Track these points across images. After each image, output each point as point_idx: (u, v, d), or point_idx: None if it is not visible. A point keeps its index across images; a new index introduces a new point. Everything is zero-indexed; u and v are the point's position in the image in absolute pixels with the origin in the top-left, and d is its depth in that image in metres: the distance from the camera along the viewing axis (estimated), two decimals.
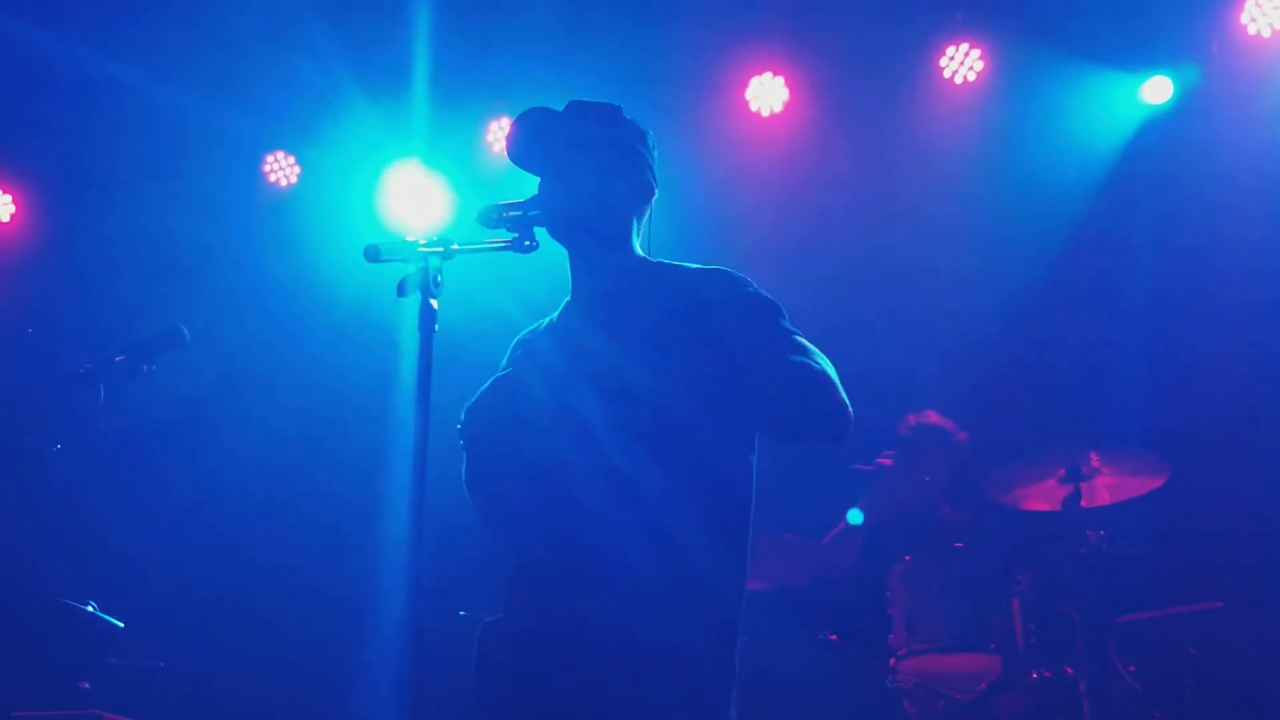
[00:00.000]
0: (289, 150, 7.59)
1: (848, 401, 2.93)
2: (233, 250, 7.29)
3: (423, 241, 2.91)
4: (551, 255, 3.21)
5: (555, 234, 3.12)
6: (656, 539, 2.87)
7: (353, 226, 7.13)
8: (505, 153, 3.25)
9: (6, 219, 7.61)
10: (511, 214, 3.06)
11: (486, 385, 3.19)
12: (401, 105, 6.98)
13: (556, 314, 3.27)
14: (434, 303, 2.89)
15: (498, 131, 7.29)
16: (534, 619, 2.94)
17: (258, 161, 7.57)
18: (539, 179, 3.16)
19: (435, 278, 2.90)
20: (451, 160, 7.21)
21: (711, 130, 7.22)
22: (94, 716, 4.41)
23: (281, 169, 7.59)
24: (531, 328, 3.30)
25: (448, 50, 6.71)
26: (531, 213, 3.07)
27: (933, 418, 6.17)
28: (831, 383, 2.91)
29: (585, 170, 3.11)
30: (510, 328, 3.44)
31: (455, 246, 2.95)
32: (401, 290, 2.91)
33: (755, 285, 3.07)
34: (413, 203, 7.09)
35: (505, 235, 3.06)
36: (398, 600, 2.74)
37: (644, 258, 3.20)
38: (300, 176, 7.59)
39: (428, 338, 2.87)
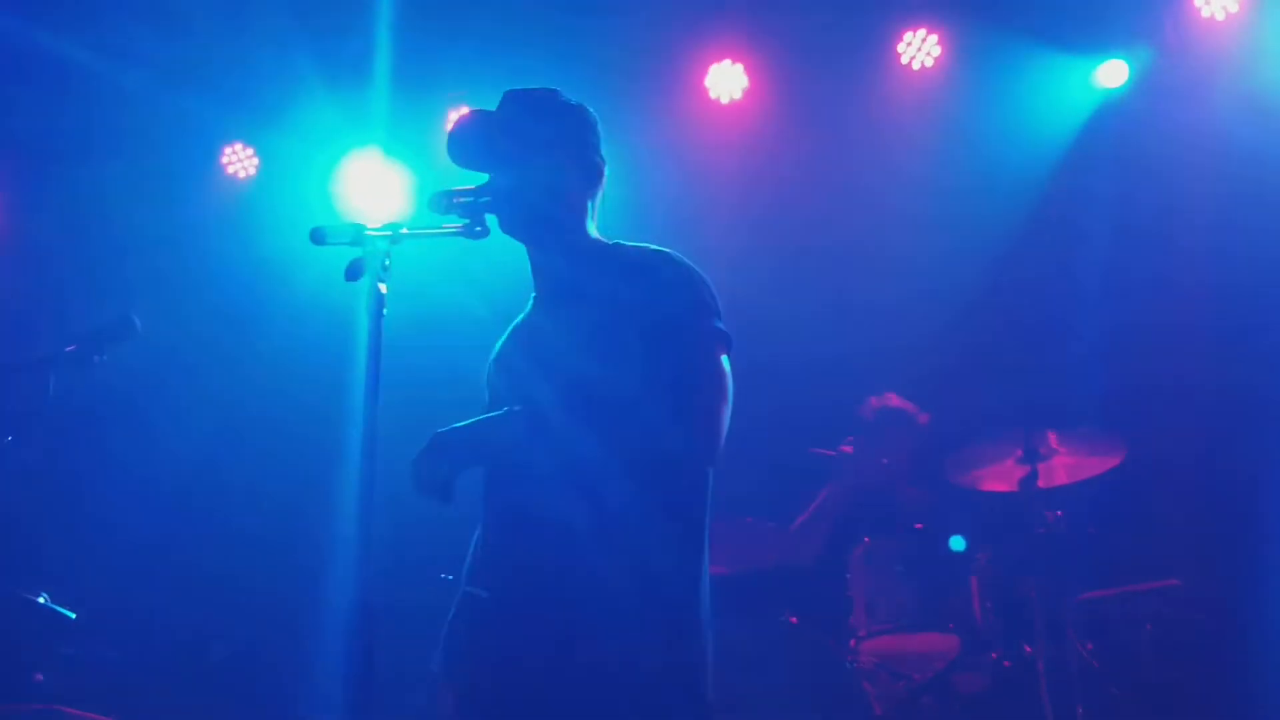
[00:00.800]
0: (248, 141, 7.53)
1: (719, 442, 2.90)
2: (190, 240, 7.23)
3: (370, 225, 2.91)
4: (509, 247, 3.22)
5: (509, 229, 3.11)
6: (601, 523, 2.87)
7: (311, 217, 7.08)
8: (449, 157, 3.21)
9: None
10: (462, 199, 3.06)
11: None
12: (362, 95, 6.95)
13: (527, 308, 3.26)
14: (383, 287, 2.88)
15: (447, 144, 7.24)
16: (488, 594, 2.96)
17: (216, 153, 7.51)
18: (468, 173, 3.16)
19: (384, 262, 2.89)
20: (411, 150, 7.19)
21: (672, 118, 7.24)
22: (54, 712, 4.39)
23: (240, 160, 7.54)
24: (506, 329, 3.29)
25: (408, 39, 6.68)
26: (482, 198, 3.06)
27: (894, 400, 6.21)
28: (712, 428, 2.88)
29: (530, 162, 3.10)
30: (469, 320, 3.44)
31: (404, 230, 2.95)
32: (350, 274, 2.90)
33: (694, 275, 3.04)
34: (372, 193, 7.06)
35: (457, 221, 3.05)
36: (351, 586, 2.71)
37: (597, 240, 3.19)
38: (259, 168, 7.54)
39: (376, 322, 2.87)
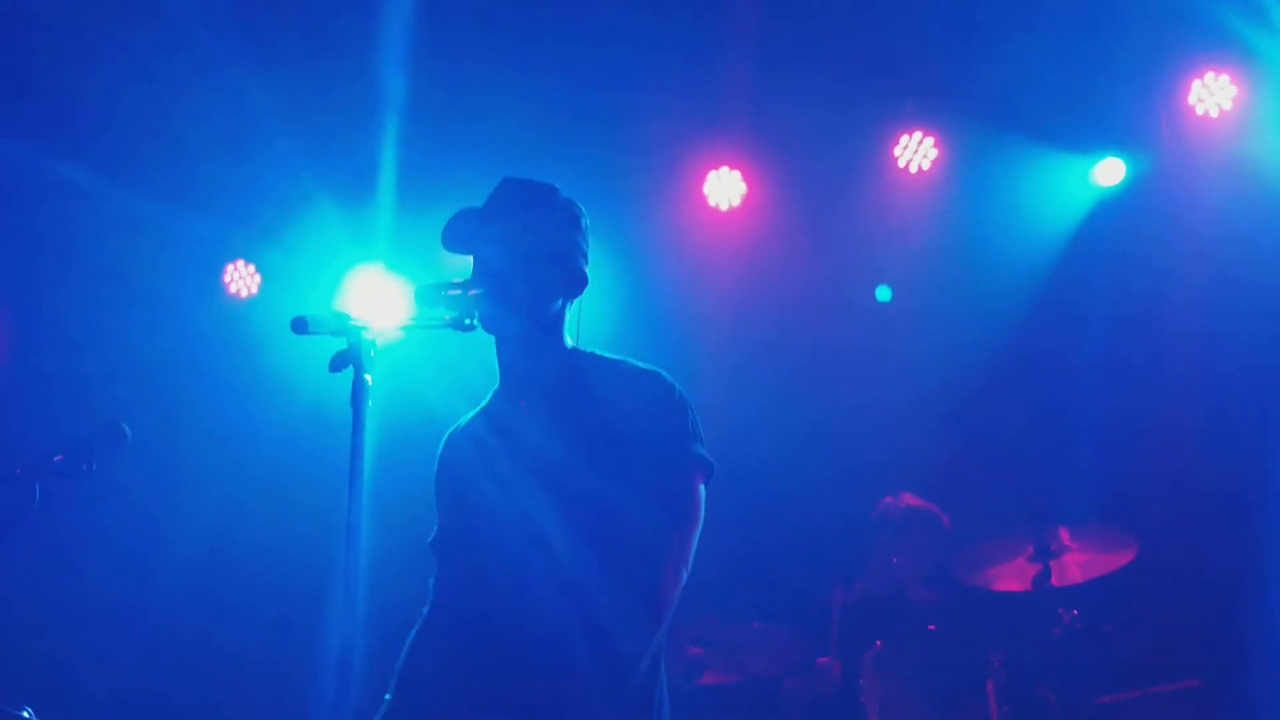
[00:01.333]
0: (249, 259, 7.55)
1: (678, 586, 2.93)
2: (190, 358, 7.21)
3: (354, 316, 2.89)
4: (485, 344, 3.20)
5: (487, 317, 3.09)
6: (568, 595, 2.89)
7: (314, 336, 7.06)
8: (444, 244, 3.23)
9: None
10: (451, 293, 3.04)
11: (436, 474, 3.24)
12: (364, 209, 6.99)
13: (485, 402, 3.27)
14: (368, 378, 2.85)
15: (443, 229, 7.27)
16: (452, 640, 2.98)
17: (218, 270, 7.52)
18: (464, 258, 3.19)
19: (369, 352, 2.86)
20: (414, 264, 7.19)
21: (671, 225, 7.25)
22: None
23: (242, 278, 7.54)
24: (462, 420, 3.30)
25: (410, 153, 6.74)
26: (471, 291, 3.04)
27: (914, 500, 6.10)
28: (676, 571, 2.91)
29: (511, 254, 3.12)
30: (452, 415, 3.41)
31: (392, 323, 2.93)
32: (334, 365, 2.88)
33: (680, 398, 3.09)
34: (375, 308, 7.05)
35: (445, 313, 3.03)
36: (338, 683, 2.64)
37: (576, 348, 3.20)
38: (260, 285, 7.54)
39: (359, 411, 2.84)
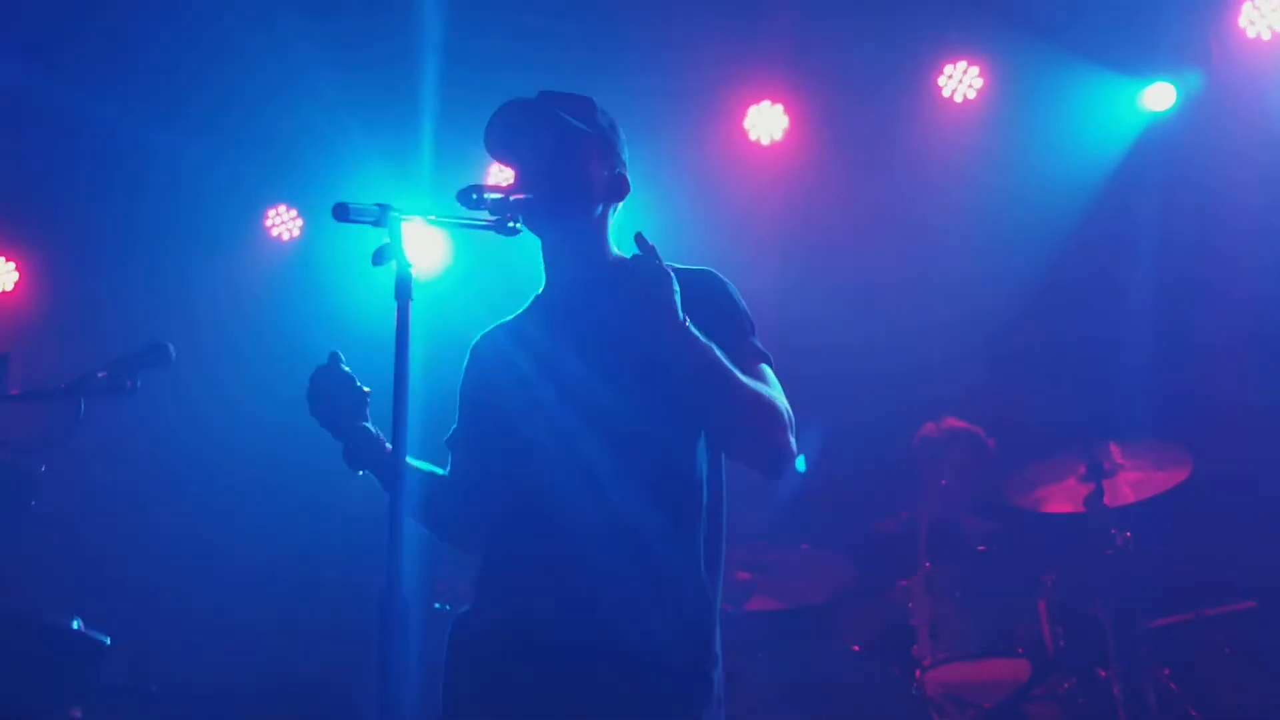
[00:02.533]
0: (291, 203, 7.56)
1: (793, 444, 2.88)
2: (236, 304, 7.26)
3: (396, 208, 2.85)
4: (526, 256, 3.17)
5: (531, 221, 3.04)
6: (621, 536, 2.81)
7: (355, 278, 7.10)
8: (486, 145, 3.19)
9: (10, 287, 7.58)
10: (491, 196, 3.00)
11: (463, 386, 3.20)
12: (405, 158, 6.98)
13: (525, 307, 3.23)
14: (411, 270, 2.81)
15: (498, 175, 7.26)
16: (504, 612, 2.86)
17: (259, 214, 7.54)
18: (505, 161, 3.16)
19: (411, 244, 2.83)
20: (456, 209, 7.16)
21: (710, 161, 7.18)
22: None
23: (284, 222, 7.56)
24: (496, 324, 3.26)
25: (451, 97, 6.71)
26: (513, 195, 3.00)
27: (955, 423, 6.05)
28: (782, 424, 2.85)
29: (563, 160, 3.07)
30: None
31: (433, 217, 2.89)
32: (376, 258, 2.84)
33: (735, 292, 3.06)
34: (415, 253, 7.02)
35: (486, 215, 2.99)
36: (381, 596, 2.61)
37: (619, 255, 3.16)
38: (302, 229, 7.56)
39: (404, 307, 2.80)
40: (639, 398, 2.88)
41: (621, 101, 6.39)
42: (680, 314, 2.76)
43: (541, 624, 2.79)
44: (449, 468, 3.17)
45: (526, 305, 3.23)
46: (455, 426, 3.20)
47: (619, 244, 3.20)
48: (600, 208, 3.14)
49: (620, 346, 2.93)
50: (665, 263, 3.02)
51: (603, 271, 3.09)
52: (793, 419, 2.89)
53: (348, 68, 6.71)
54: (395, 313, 2.81)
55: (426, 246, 6.95)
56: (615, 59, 6.71)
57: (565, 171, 3.07)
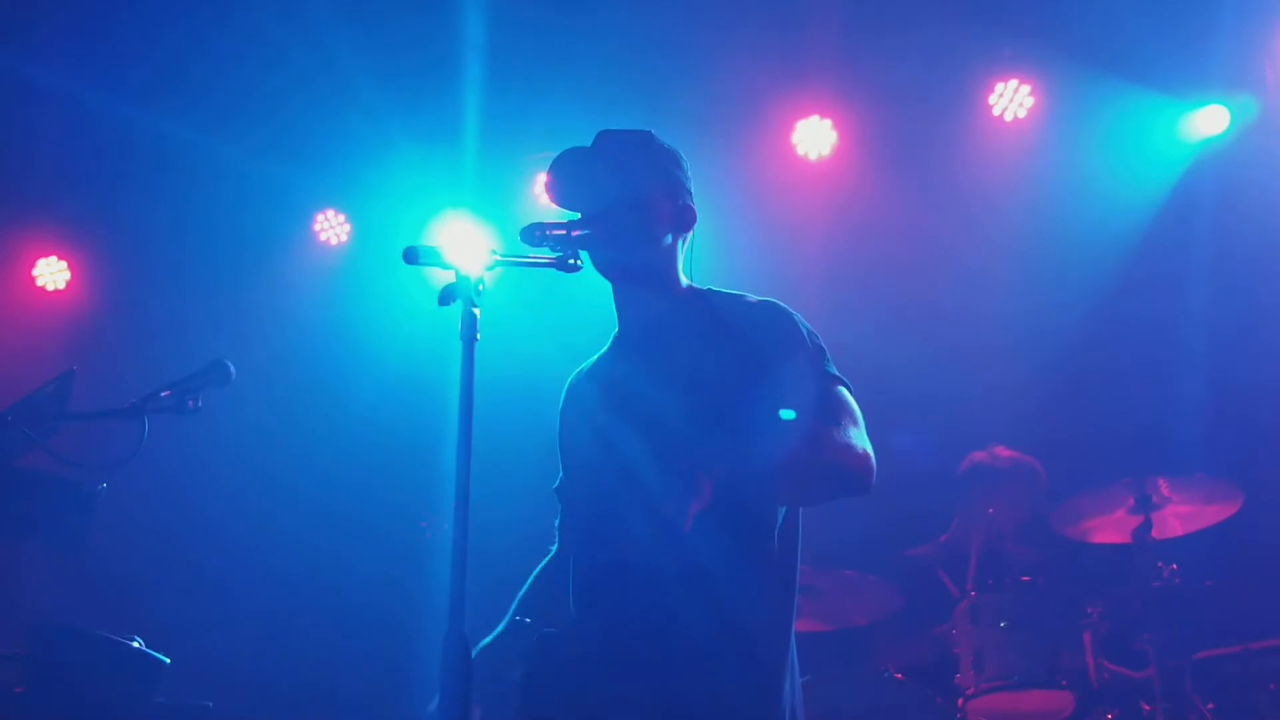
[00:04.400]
0: (339, 208, 7.61)
1: (869, 453, 2.89)
2: (285, 309, 7.32)
3: (465, 250, 2.87)
4: (591, 287, 3.18)
5: (601, 264, 3.07)
6: (695, 579, 2.82)
7: (403, 281, 7.16)
8: (548, 197, 3.21)
9: (62, 285, 7.68)
10: (555, 233, 3.00)
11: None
12: (450, 156, 7.02)
13: (606, 348, 3.24)
14: (476, 311, 2.83)
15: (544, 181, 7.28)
16: (583, 660, 2.89)
17: (308, 220, 7.59)
18: (566, 199, 3.14)
19: (477, 286, 2.84)
20: (500, 211, 7.21)
21: (757, 176, 7.16)
22: None
23: (332, 227, 7.62)
24: (584, 365, 3.27)
25: (495, 101, 6.73)
26: (575, 232, 3.01)
27: (1007, 452, 6.03)
28: (856, 454, 2.86)
29: (626, 200, 3.07)
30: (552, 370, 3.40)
31: (499, 256, 2.90)
32: (444, 299, 2.85)
33: (801, 321, 3.05)
34: (454, 244, 7.06)
35: (549, 253, 3.00)
36: (443, 624, 2.65)
37: (691, 286, 3.17)
38: (351, 234, 7.61)
39: (469, 346, 2.81)
40: (714, 437, 2.87)
41: (664, 109, 6.49)
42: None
43: (616, 677, 2.84)
44: (559, 518, 3.24)
45: (608, 345, 3.24)
46: (562, 476, 3.24)
47: (691, 272, 3.21)
48: (669, 239, 3.14)
49: (694, 383, 2.95)
50: (731, 290, 3.06)
51: (674, 303, 3.11)
52: (865, 437, 2.91)
53: (392, 73, 6.75)
54: (461, 352, 2.84)
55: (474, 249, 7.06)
56: (660, 64, 6.71)
57: (628, 214, 3.07)
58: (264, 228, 7.43)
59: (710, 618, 2.79)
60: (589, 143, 3.19)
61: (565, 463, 3.22)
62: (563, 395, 3.26)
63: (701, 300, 3.12)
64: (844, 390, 2.97)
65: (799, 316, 3.07)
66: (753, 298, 3.11)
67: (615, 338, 3.21)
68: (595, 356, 3.25)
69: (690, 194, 3.19)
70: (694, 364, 2.98)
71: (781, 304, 3.09)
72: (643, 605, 2.84)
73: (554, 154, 3.18)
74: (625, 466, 2.92)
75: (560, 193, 3.14)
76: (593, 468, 3.04)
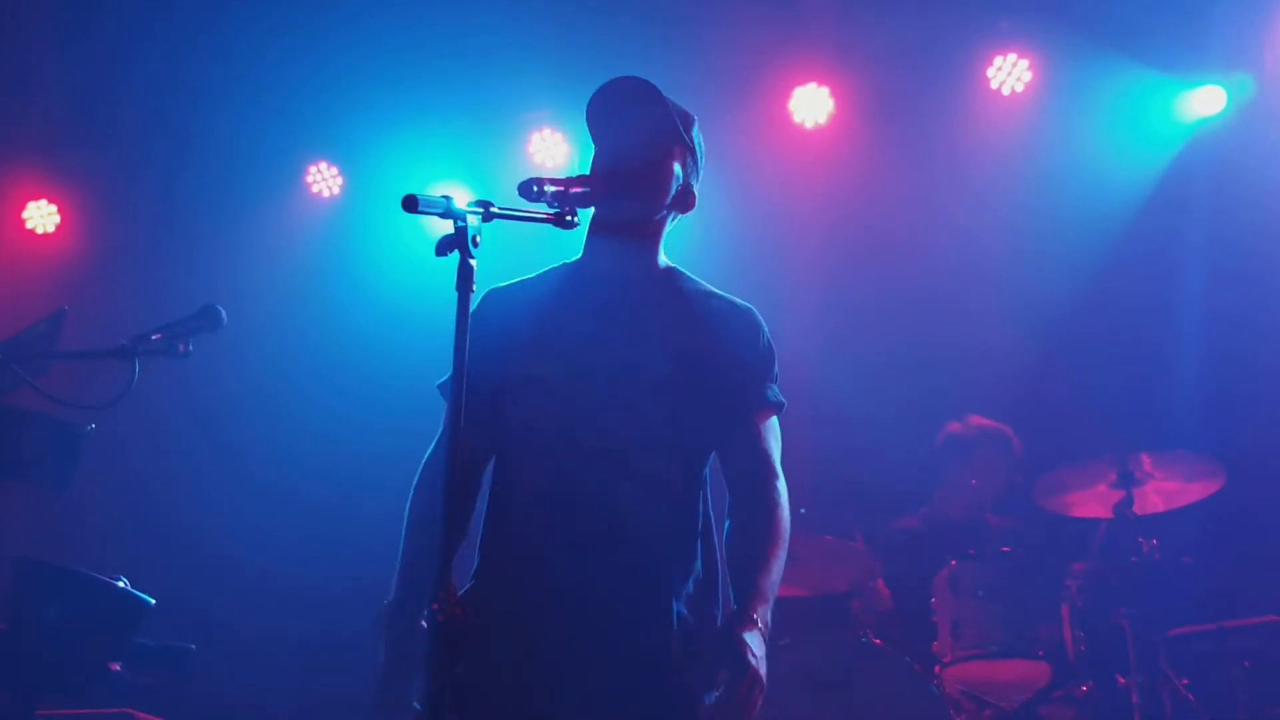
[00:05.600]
0: (332, 160, 7.58)
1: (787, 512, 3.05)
2: (277, 260, 7.30)
3: (462, 200, 2.87)
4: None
5: (611, 211, 3.09)
6: (647, 501, 2.97)
7: (394, 235, 7.15)
8: (590, 110, 3.17)
9: (52, 229, 7.66)
10: (552, 189, 3.00)
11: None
12: (445, 115, 6.99)
13: (545, 272, 3.25)
14: (472, 262, 2.83)
15: (539, 143, 7.27)
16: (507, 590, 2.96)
17: (301, 171, 7.56)
18: (604, 136, 3.13)
19: (474, 237, 2.84)
20: (494, 170, 7.20)
21: (752, 143, 7.13)
22: (126, 716, 4.36)
23: (324, 179, 7.58)
24: (512, 282, 3.26)
25: (490, 59, 6.71)
26: (574, 190, 3.01)
27: (982, 421, 6.07)
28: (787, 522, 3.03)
29: (656, 148, 3.10)
30: None
31: (494, 209, 2.90)
32: (440, 249, 2.85)
33: (767, 337, 3.17)
34: (448, 199, 7.04)
35: (546, 209, 3.00)
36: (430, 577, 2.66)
37: (669, 265, 3.22)
38: (343, 187, 7.58)
39: (465, 297, 2.81)
40: (651, 406, 2.99)
41: (663, 76, 6.42)
42: (757, 660, 2.81)
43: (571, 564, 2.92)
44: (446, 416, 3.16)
45: (547, 271, 3.25)
46: (453, 374, 3.21)
47: (670, 253, 3.24)
48: (665, 211, 3.17)
49: (645, 351, 3.04)
50: (709, 286, 3.11)
51: (648, 266, 3.16)
52: (783, 482, 3.06)
53: (388, 24, 6.71)
54: (457, 302, 2.84)
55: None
56: (658, 30, 6.69)
57: (654, 159, 3.10)
58: (257, 178, 7.40)
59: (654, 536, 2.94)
60: (586, 101, 3.17)
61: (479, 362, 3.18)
62: (484, 304, 3.21)
63: (676, 282, 3.18)
64: (775, 421, 3.12)
65: (766, 330, 3.17)
66: (728, 297, 3.20)
67: (567, 268, 3.23)
68: (531, 276, 3.25)
69: (698, 176, 3.21)
70: (665, 328, 3.06)
71: (756, 312, 3.19)
72: (589, 520, 2.93)
73: (550, 111, 3.20)
74: (586, 389, 3.00)
75: (602, 112, 3.13)
76: (547, 386, 3.05)
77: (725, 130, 6.90)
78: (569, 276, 3.21)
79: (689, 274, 3.23)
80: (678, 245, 3.27)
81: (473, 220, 2.83)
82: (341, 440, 6.64)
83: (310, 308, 7.20)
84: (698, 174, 3.20)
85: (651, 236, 3.17)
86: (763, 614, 2.87)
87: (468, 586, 3.05)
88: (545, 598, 2.92)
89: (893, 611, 5.66)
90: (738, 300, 3.20)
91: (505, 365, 3.09)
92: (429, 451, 3.21)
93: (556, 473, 2.98)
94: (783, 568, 2.98)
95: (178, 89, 6.97)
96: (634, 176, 3.06)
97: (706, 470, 3.12)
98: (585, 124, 3.17)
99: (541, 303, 3.16)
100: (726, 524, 3.07)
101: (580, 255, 3.23)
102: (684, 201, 3.17)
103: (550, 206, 2.98)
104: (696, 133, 3.20)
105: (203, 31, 6.81)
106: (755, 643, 2.82)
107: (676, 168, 3.12)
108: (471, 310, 3.00)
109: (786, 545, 3.00)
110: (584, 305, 3.11)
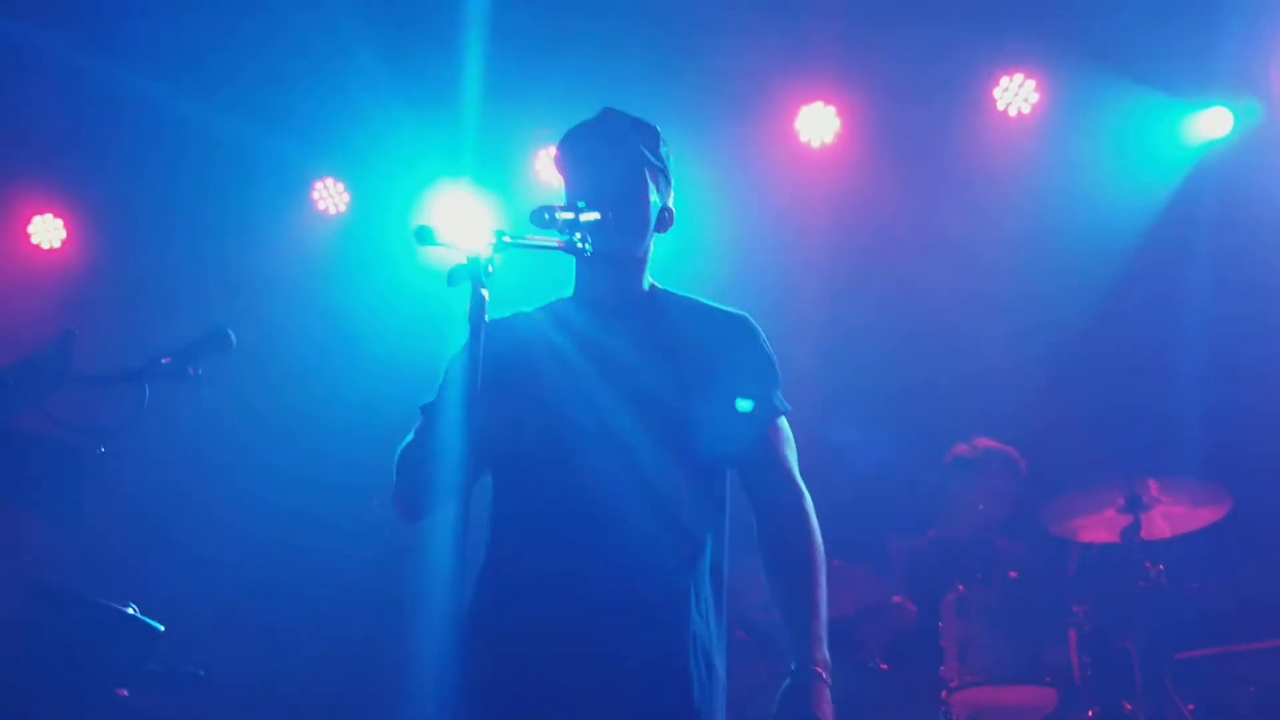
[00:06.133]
0: (338, 177, 7.58)
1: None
2: (283, 277, 7.30)
3: (474, 232, 2.88)
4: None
5: (604, 244, 3.07)
6: (651, 518, 2.95)
7: (401, 252, 7.14)
8: (558, 160, 3.24)
9: (58, 244, 7.66)
10: (563, 215, 3.02)
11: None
12: (450, 129, 6.99)
13: (547, 304, 3.28)
14: (485, 292, 2.84)
15: (545, 159, 7.27)
16: (517, 601, 2.96)
17: (307, 188, 7.56)
18: (579, 179, 3.16)
19: (486, 268, 2.85)
20: (500, 186, 7.20)
21: (758, 161, 7.15)
22: None
23: (330, 196, 7.58)
24: (510, 313, 3.27)
25: (496, 75, 6.70)
26: (585, 217, 3.03)
27: (989, 443, 6.07)
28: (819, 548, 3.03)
29: (631, 187, 3.14)
30: None
31: (508, 239, 2.91)
32: (451, 280, 2.86)
33: (765, 343, 3.19)
34: (461, 226, 7.03)
35: (557, 236, 3.01)
36: (443, 602, 2.68)
37: (654, 285, 3.26)
38: (349, 204, 7.58)
39: (478, 328, 2.82)
40: (673, 394, 3.02)
41: (668, 87, 6.46)
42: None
43: (569, 580, 2.91)
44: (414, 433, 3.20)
45: (550, 303, 3.28)
46: (438, 397, 3.21)
47: (654, 273, 3.27)
48: (649, 237, 3.22)
49: (661, 362, 3.06)
50: (697, 299, 3.13)
51: (637, 291, 3.21)
52: (807, 496, 3.07)
53: (394, 41, 6.71)
54: (469, 333, 2.84)
55: (472, 221, 7.05)
56: (665, 41, 6.70)
57: (635, 196, 3.14)
58: (263, 195, 7.39)
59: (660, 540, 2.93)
60: (591, 117, 3.23)
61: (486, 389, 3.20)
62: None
63: (664, 301, 3.23)
64: (785, 424, 3.13)
65: (764, 336, 3.19)
66: (720, 308, 3.22)
67: (561, 303, 3.26)
68: (525, 310, 3.28)
69: (672, 196, 3.28)
70: (662, 346, 3.09)
71: (750, 319, 3.21)
72: (600, 537, 2.93)
73: (556, 130, 3.22)
74: (593, 410, 3.01)
75: (574, 166, 3.19)
76: (544, 405, 3.07)
77: (732, 147, 6.95)
78: (563, 312, 3.24)
79: (675, 291, 3.27)
80: (682, 264, 3.30)
81: (485, 251, 2.86)
82: (355, 461, 6.60)
83: (318, 325, 7.19)
84: (670, 190, 3.25)
85: (637, 264, 3.22)
86: (823, 658, 2.90)
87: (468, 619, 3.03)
88: (548, 646, 2.90)
89: (914, 628, 5.65)
90: (730, 309, 3.23)
91: (500, 400, 3.03)
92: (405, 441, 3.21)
93: (551, 522, 2.98)
94: (826, 592, 2.99)
95: (184, 104, 6.96)
96: (622, 218, 3.08)
97: (725, 492, 3.11)
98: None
99: (537, 340, 3.18)
100: (762, 557, 3.05)
101: (571, 292, 3.26)
102: (663, 223, 3.23)
103: (562, 234, 3.00)
104: (664, 149, 3.24)
105: (210, 47, 6.82)
106: (824, 703, 2.85)
107: (652, 196, 3.17)
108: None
109: (824, 567, 3.01)
110: (578, 341, 3.14)
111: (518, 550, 3.03)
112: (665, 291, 3.25)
